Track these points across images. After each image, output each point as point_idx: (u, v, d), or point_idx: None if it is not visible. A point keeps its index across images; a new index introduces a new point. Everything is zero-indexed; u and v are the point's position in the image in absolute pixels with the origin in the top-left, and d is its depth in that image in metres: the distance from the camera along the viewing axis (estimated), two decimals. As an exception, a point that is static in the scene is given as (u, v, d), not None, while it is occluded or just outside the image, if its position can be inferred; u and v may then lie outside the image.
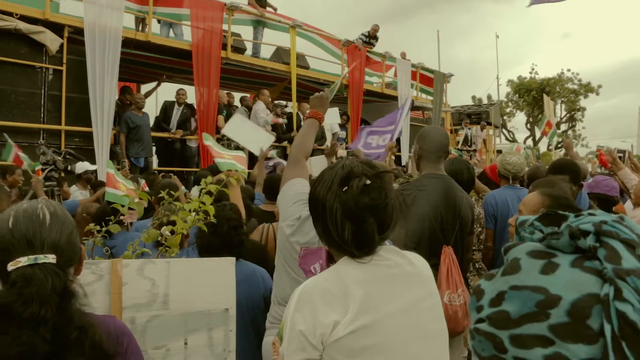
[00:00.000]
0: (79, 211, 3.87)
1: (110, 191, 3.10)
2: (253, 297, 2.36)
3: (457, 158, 3.72)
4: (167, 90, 13.05)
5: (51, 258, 1.06)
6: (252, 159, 6.20)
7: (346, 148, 7.63)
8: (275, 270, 1.97)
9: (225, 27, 8.40)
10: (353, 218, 1.19)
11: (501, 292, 0.60)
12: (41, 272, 1.03)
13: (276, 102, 10.52)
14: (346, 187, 1.21)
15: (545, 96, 10.23)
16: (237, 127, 5.66)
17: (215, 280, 1.66)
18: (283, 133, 9.51)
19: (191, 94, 8.75)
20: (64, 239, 1.11)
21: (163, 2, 7.86)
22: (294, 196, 1.85)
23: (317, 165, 5.48)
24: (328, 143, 9.46)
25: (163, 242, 2.02)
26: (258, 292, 2.39)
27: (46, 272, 1.03)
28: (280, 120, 9.48)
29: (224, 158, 3.69)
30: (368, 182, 1.20)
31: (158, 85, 9.56)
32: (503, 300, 0.59)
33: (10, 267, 1.04)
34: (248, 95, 10.54)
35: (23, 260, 1.04)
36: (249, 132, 5.67)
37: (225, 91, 9.68)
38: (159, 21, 8.36)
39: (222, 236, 2.35)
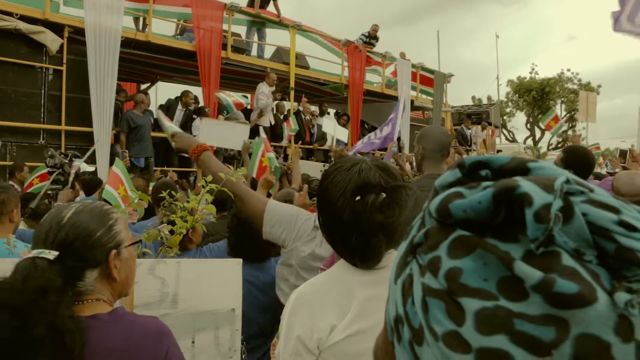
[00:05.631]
0: None
1: (108, 189, 3.09)
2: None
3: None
4: (168, 90, 12.96)
5: (51, 254, 1.08)
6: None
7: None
8: (281, 280, 1.90)
9: (225, 27, 8.41)
10: (362, 232, 1.14)
11: None
12: (32, 265, 1.06)
13: (276, 101, 10.51)
14: (359, 197, 1.13)
15: (581, 92, 10.10)
16: (210, 132, 5.62)
17: (223, 280, 1.67)
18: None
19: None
20: (77, 237, 1.12)
21: (164, 0, 7.85)
22: (288, 215, 1.74)
23: (310, 168, 5.49)
24: (329, 143, 9.46)
25: (164, 241, 2.01)
26: None
27: (36, 266, 1.06)
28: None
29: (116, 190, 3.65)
30: (383, 196, 1.13)
31: (151, 85, 9.58)
32: None
33: (25, 255, 1.10)
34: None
35: (33, 252, 1.09)
36: (224, 131, 5.61)
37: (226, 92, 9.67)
38: (181, 34, 8.35)
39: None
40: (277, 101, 10.54)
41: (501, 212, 0.39)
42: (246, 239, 2.32)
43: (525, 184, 0.38)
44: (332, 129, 8.13)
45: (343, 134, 8.57)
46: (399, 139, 10.24)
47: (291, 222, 1.74)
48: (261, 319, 2.24)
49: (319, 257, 1.68)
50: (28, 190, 4.83)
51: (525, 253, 0.37)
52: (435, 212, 0.42)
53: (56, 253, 1.09)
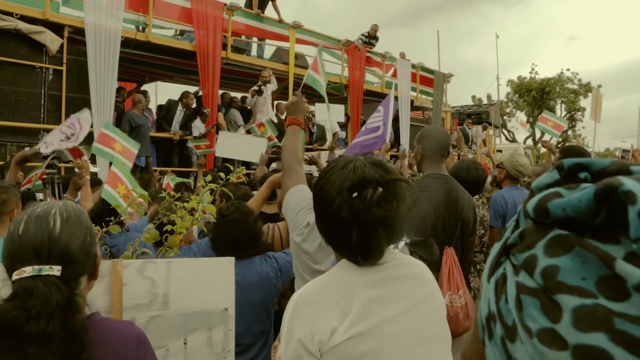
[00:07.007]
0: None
1: (107, 189, 3.07)
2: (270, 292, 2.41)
3: (467, 158, 3.69)
4: (168, 90, 12.95)
5: (56, 270, 1.02)
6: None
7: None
8: (295, 277, 1.96)
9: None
10: (362, 228, 1.13)
11: None
12: (44, 285, 0.99)
13: (276, 101, 10.50)
14: (356, 194, 1.13)
15: (594, 90, 10.15)
16: (227, 145, 5.61)
17: (215, 280, 1.65)
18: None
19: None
20: (75, 247, 1.06)
21: (164, 13, 7.81)
22: (297, 204, 1.83)
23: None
24: (329, 143, 9.44)
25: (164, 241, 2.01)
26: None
27: (49, 285, 0.99)
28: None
29: (110, 149, 3.65)
30: (381, 190, 1.12)
31: (141, 85, 9.60)
32: None
33: (15, 276, 1.00)
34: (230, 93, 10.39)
35: (28, 271, 1.00)
36: (241, 144, 5.63)
37: (221, 92, 9.64)
38: (181, 34, 8.35)
39: (250, 230, 2.36)
40: (277, 101, 10.54)
41: (602, 212, 0.38)
42: (226, 236, 2.35)
43: (628, 182, 0.37)
44: (326, 114, 7.93)
45: (339, 111, 8.44)
46: (398, 142, 10.23)
47: (293, 212, 1.83)
48: (247, 318, 2.24)
49: (304, 251, 1.77)
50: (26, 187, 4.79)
51: (626, 254, 0.36)
52: (533, 211, 0.42)
53: (59, 267, 1.02)
